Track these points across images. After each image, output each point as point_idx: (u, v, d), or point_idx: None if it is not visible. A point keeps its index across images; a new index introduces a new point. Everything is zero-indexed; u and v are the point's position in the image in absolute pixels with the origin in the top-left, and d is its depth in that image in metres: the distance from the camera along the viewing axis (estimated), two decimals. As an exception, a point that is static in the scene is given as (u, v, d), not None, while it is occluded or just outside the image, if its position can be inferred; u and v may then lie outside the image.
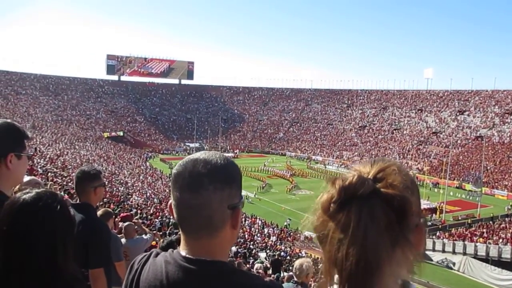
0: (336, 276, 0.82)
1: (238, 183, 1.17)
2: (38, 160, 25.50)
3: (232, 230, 1.15)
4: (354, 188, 0.82)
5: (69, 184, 15.86)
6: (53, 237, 1.23)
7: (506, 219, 37.70)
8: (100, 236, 2.88)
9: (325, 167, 69.22)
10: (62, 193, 9.51)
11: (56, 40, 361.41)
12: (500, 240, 30.04)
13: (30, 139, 2.01)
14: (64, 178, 19.04)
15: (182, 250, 1.15)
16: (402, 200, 0.81)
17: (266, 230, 32.82)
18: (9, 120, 1.93)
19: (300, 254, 26.19)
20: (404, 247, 0.80)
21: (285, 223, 35.55)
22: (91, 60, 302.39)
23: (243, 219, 33.62)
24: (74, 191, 10.90)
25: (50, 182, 12.18)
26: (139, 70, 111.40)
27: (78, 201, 3.08)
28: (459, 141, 71.42)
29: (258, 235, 30.57)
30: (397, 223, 0.80)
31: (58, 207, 1.28)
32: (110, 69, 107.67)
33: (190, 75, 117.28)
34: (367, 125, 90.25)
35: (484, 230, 33.24)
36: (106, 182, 28.23)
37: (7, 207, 1.25)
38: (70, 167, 30.95)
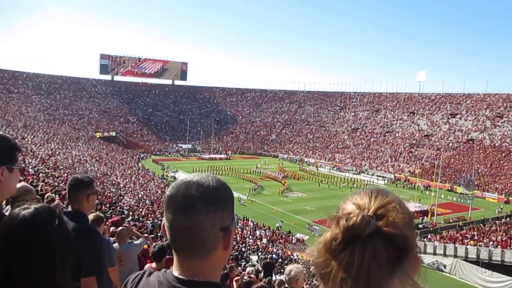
0: None
1: (230, 205, 1.18)
2: (30, 160, 25.30)
3: (224, 251, 1.16)
4: (358, 229, 0.83)
5: (61, 185, 15.74)
6: (52, 253, 1.22)
7: (497, 222, 38.01)
8: (92, 244, 2.87)
9: (318, 169, 69.42)
10: (53, 194, 9.43)
11: (49, 39, 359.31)
12: (491, 243, 30.27)
13: (21, 152, 2.00)
14: (55, 179, 18.89)
15: (175, 271, 1.15)
16: (404, 239, 0.83)
17: (258, 232, 32.81)
18: (0, 132, 1.92)
19: (291, 256, 26.23)
20: (402, 280, 0.83)
21: (277, 225, 35.56)
22: (84, 59, 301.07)
23: (236, 220, 33.53)
24: (65, 192, 10.83)
25: (42, 183, 12.07)
26: (133, 70, 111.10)
27: (70, 209, 3.06)
28: (450, 144, 71.94)
29: (250, 237, 30.55)
30: (397, 260, 0.82)
31: (57, 223, 1.28)
32: (103, 69, 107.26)
33: (183, 76, 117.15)
34: (360, 127, 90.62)
35: (475, 233, 33.48)
36: (98, 183, 28.09)
37: (6, 223, 1.25)
38: (61, 167, 30.74)
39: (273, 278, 11.11)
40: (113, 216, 10.04)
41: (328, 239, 0.86)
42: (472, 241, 31.19)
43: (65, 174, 24.71)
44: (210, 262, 1.14)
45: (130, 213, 17.74)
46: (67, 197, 3.61)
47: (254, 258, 22.48)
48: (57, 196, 9.45)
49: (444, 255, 30.42)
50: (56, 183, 16.14)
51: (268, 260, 17.80)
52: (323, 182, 56.19)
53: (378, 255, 0.81)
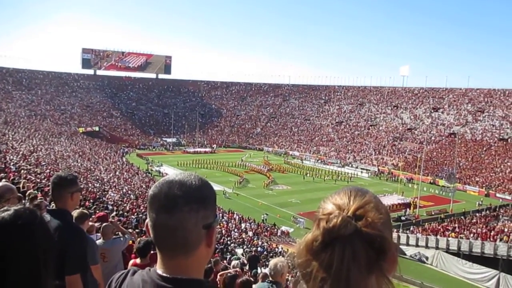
0: None
1: (213, 203, 1.20)
2: (11, 157, 24.92)
3: (207, 248, 1.19)
4: (338, 231, 0.85)
5: (43, 181, 15.55)
6: (34, 254, 1.22)
7: (477, 214, 38.74)
8: (77, 243, 2.88)
9: (302, 162, 69.72)
10: (36, 191, 9.33)
11: (29, 33, 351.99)
12: (471, 235, 30.86)
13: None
14: (37, 175, 18.65)
15: (159, 269, 1.17)
16: (383, 240, 0.86)
17: (243, 225, 32.92)
18: None
19: (277, 249, 26.40)
20: (379, 278, 0.86)
21: (262, 218, 35.72)
22: (66, 54, 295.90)
23: (221, 214, 33.63)
24: (48, 188, 10.72)
25: (23, 180, 11.92)
26: (117, 64, 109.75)
27: (54, 207, 3.06)
28: (433, 138, 72.93)
29: (235, 230, 30.63)
30: (376, 260, 0.85)
31: (38, 225, 1.28)
32: (86, 63, 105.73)
33: (167, 70, 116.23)
34: (344, 121, 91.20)
35: (456, 225, 34.09)
36: (81, 179, 27.83)
37: None
38: (44, 163, 30.36)
39: (259, 271, 11.21)
40: (97, 211, 9.97)
41: (309, 240, 0.88)
42: (453, 233, 31.76)
43: (48, 170, 24.43)
44: (193, 259, 1.17)
45: (115, 208, 17.61)
46: (50, 195, 3.60)
47: (239, 251, 22.60)
48: (39, 193, 9.37)
49: (426, 247, 30.92)
50: (38, 180, 15.94)
51: (253, 253, 17.93)
52: (308, 175, 56.50)
53: (357, 255, 0.83)
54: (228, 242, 24.94)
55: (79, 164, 41.37)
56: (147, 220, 1.20)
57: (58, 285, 1.45)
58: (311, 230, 0.91)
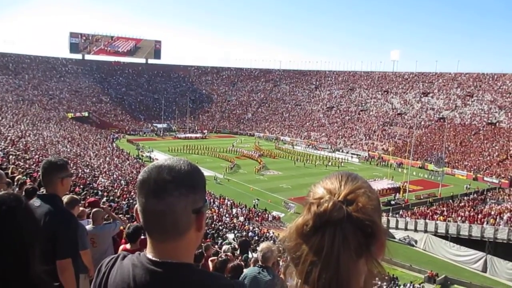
0: None
1: (202, 188, 1.21)
2: (-1, 142, 24.62)
3: (197, 232, 1.19)
4: (329, 215, 0.85)
5: (32, 167, 15.42)
6: (18, 240, 1.22)
7: (465, 198, 39.29)
8: (67, 227, 2.87)
9: (293, 148, 69.90)
10: (25, 177, 9.25)
11: (15, 16, 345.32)
12: (459, 218, 31.33)
13: None
14: (26, 161, 18.48)
15: (149, 253, 1.18)
16: (373, 224, 0.86)
17: (234, 210, 33.05)
18: None
19: (268, 234, 26.59)
20: (368, 260, 0.87)
21: (253, 203, 35.89)
22: (53, 38, 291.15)
23: (212, 199, 33.71)
24: (37, 174, 10.63)
25: (12, 166, 11.82)
26: (106, 48, 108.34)
27: (44, 192, 3.03)
28: (422, 123, 73.37)
29: (227, 215, 30.76)
30: (365, 244, 0.86)
31: (23, 210, 1.26)
32: (74, 48, 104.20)
33: (157, 55, 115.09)
34: (335, 106, 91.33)
35: (445, 209, 34.56)
36: (71, 164, 27.64)
37: None
38: (32, 149, 30.06)
39: (250, 255, 11.29)
40: (88, 197, 9.93)
41: (300, 224, 0.88)
42: (441, 217, 32.22)
43: (37, 156, 24.22)
44: (183, 244, 1.17)
45: (105, 193, 17.56)
46: (40, 180, 3.56)
47: (230, 236, 22.69)
48: (28, 178, 9.29)
49: (415, 230, 31.38)
50: (27, 165, 15.80)
51: (244, 238, 18.03)
52: (299, 160, 56.72)
53: (348, 239, 0.84)
54: (220, 227, 25.06)
55: (68, 150, 41.03)
56: (136, 205, 1.20)
57: (49, 270, 1.44)
58: (301, 214, 0.92)
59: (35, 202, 2.84)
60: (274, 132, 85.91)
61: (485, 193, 41.47)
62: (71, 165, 27.68)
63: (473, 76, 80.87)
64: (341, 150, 68.72)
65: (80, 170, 27.89)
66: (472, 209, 33.77)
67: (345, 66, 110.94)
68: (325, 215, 0.85)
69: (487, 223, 29.58)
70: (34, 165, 16.87)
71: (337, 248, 0.83)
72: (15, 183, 6.96)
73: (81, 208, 5.77)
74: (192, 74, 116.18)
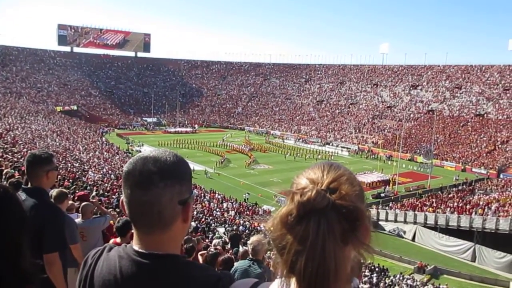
0: (293, 280, 0.87)
1: (188, 179, 1.20)
2: (-14, 137, 24.32)
3: (183, 224, 1.19)
4: (313, 203, 0.85)
5: (20, 160, 15.24)
6: (5, 234, 1.20)
7: (454, 189, 39.72)
8: (54, 220, 2.83)
9: (283, 142, 69.99)
10: (13, 170, 9.15)
11: (3, 7, 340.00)
12: (448, 209, 31.66)
13: None
14: (14, 155, 18.26)
15: (135, 245, 1.18)
16: (356, 211, 0.86)
17: (225, 204, 33.06)
18: None
19: (258, 228, 26.65)
20: (355, 246, 0.87)
21: (244, 197, 35.93)
22: (41, 30, 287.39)
23: (203, 194, 33.67)
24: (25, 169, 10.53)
25: (0, 159, 11.68)
26: (94, 41, 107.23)
27: (29, 185, 2.98)
28: (412, 115, 73.86)
29: (217, 209, 30.76)
30: (350, 230, 0.85)
31: (10, 202, 1.25)
32: (62, 40, 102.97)
33: (146, 48, 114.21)
34: (325, 99, 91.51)
35: (434, 200, 34.89)
36: (60, 158, 27.39)
37: None
38: (21, 142, 29.75)
39: (240, 249, 11.30)
40: (77, 191, 9.85)
41: (284, 213, 0.88)
42: (431, 208, 32.52)
43: (25, 150, 23.95)
44: (169, 235, 1.17)
45: (95, 188, 17.43)
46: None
47: (221, 230, 22.73)
48: (16, 172, 9.19)
49: (405, 222, 31.66)
50: (15, 159, 15.62)
51: (235, 232, 18.07)
52: (289, 154, 56.80)
53: (332, 227, 0.84)
54: (210, 222, 25.06)
55: (57, 144, 40.64)
56: (122, 197, 1.19)
57: (36, 263, 1.41)
58: (284, 204, 0.91)
59: (20, 195, 2.80)
60: (264, 126, 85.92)
61: (473, 184, 41.97)
62: (60, 159, 27.50)
63: (461, 68, 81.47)
64: (331, 144, 68.98)
65: (69, 164, 27.64)
66: (460, 200, 34.15)
67: (335, 60, 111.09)
68: (308, 204, 0.85)
69: (476, 213, 29.94)
70: (22, 158, 16.62)
71: (322, 236, 0.83)
72: (3, 177, 6.88)
73: (70, 202, 5.73)
74: (182, 68, 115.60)
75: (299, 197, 0.87)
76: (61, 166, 22.53)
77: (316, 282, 0.83)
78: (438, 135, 61.54)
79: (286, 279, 0.89)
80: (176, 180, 1.15)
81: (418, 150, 58.16)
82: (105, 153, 45.99)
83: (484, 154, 54.64)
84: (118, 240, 4.87)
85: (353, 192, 0.89)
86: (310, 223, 0.84)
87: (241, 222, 27.86)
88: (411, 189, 41.18)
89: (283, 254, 0.87)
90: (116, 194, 19.52)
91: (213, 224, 24.47)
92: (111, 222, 6.03)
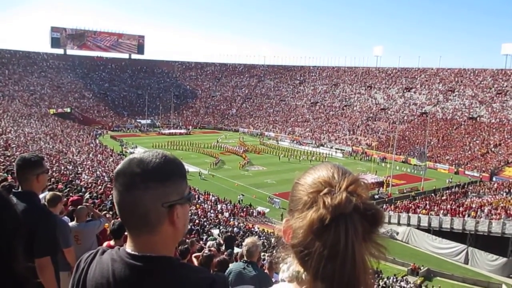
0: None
1: (175, 181, 1.17)
2: (-22, 139, 24.15)
3: (172, 226, 1.16)
4: (343, 207, 0.84)
5: (13, 164, 15.14)
6: (1, 234, 1.20)
7: (447, 191, 39.88)
8: (45, 224, 2.81)
9: (278, 143, 70.04)
10: (6, 174, 9.09)
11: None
12: (441, 212, 31.78)
13: None
14: (7, 158, 18.16)
15: (128, 247, 1.17)
16: (379, 213, 0.87)
17: (219, 206, 33.00)
18: None
19: (252, 229, 26.63)
20: (369, 245, 0.86)
21: (238, 199, 35.90)
22: (34, 32, 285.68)
23: (197, 195, 33.56)
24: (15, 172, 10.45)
25: (-8, 163, 11.59)
26: (88, 43, 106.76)
27: (20, 189, 2.95)
28: (405, 117, 74.18)
29: (212, 211, 30.70)
30: (371, 232, 0.86)
31: (4, 205, 1.24)
32: (55, 42, 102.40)
33: (140, 50, 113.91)
34: (319, 101, 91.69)
35: (427, 202, 35.02)
36: (54, 161, 27.23)
37: None
38: (13, 145, 29.57)
39: (235, 250, 11.31)
40: (71, 194, 9.79)
41: (315, 219, 0.84)
42: (424, 210, 32.63)
43: (18, 153, 23.81)
44: (159, 238, 1.15)
45: (89, 190, 17.34)
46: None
47: (215, 232, 22.67)
48: (9, 175, 9.14)
49: (398, 224, 31.75)
50: (8, 163, 15.52)
51: (229, 234, 18.06)
52: (283, 155, 56.84)
53: (357, 231, 0.83)
54: (205, 223, 24.98)
55: (50, 146, 40.46)
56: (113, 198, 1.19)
57: (30, 267, 1.41)
58: (310, 209, 0.87)
59: (12, 200, 2.77)
60: (259, 127, 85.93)
61: (466, 186, 42.17)
62: (54, 161, 27.35)
63: (454, 72, 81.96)
64: (325, 145, 69.10)
65: (62, 167, 27.50)
66: (453, 203, 34.29)
67: (329, 62, 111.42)
68: (339, 208, 0.83)
69: (468, 216, 30.08)
70: (15, 162, 16.55)
71: (351, 241, 0.82)
72: (-4, 181, 6.83)
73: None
74: (176, 70, 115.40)
75: (329, 200, 0.85)
76: (54, 169, 22.44)
77: (348, 287, 0.82)
78: (431, 138, 61.85)
79: (311, 286, 0.87)
80: (160, 182, 1.13)
81: (411, 152, 58.43)
82: (99, 156, 45.80)
83: (477, 157, 54.96)
84: (112, 243, 4.86)
85: (368, 194, 0.89)
86: (339, 227, 0.82)
87: (236, 223, 27.84)
88: (404, 191, 41.32)
89: (309, 261, 0.85)
90: (110, 196, 19.43)
91: (207, 226, 24.40)
92: (106, 225, 6.01)
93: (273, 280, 4.60)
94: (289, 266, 0.92)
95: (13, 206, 1.30)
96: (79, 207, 5.30)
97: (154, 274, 1.12)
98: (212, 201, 34.36)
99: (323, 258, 0.82)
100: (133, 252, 1.15)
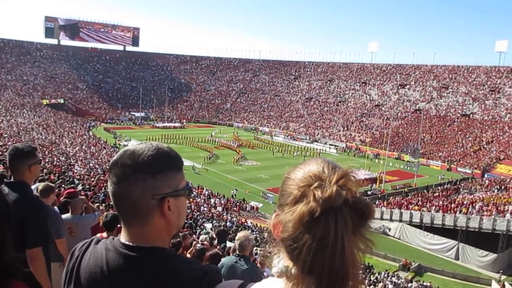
0: (308, 281, 0.85)
1: (166, 173, 1.17)
2: (-30, 129, 23.96)
3: (164, 219, 1.17)
4: (333, 200, 0.84)
5: (5, 154, 15.03)
6: None
7: (439, 188, 40.13)
8: (36, 215, 2.79)
9: (272, 138, 70.08)
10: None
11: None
12: (433, 208, 31.99)
13: None
14: (-1, 148, 18.04)
15: (122, 238, 1.18)
16: (368, 207, 0.86)
17: (212, 200, 33.01)
18: None
19: (245, 224, 26.68)
20: (358, 239, 0.86)
21: (232, 193, 35.92)
22: (28, 22, 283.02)
23: (190, 189, 33.44)
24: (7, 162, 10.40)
25: (-16, 153, 11.50)
26: (82, 34, 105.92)
27: (12, 179, 2.93)
28: (399, 114, 74.46)
29: (205, 205, 30.70)
30: (361, 226, 0.85)
31: None
32: (49, 32, 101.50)
33: (135, 42, 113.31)
34: (314, 97, 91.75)
35: (419, 199, 35.23)
36: (46, 152, 27.07)
37: None
38: (6, 135, 29.40)
39: (227, 245, 11.32)
40: (63, 185, 9.74)
41: (305, 211, 0.84)
42: (416, 206, 32.83)
43: (10, 143, 23.64)
44: (151, 229, 1.16)
45: (81, 182, 17.26)
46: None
47: (208, 226, 22.68)
48: (1, 165, 9.08)
49: (391, 220, 31.92)
50: (0, 152, 15.42)
51: (222, 228, 18.08)
52: (277, 150, 56.88)
53: (347, 224, 0.83)
54: (198, 217, 24.99)
55: (43, 137, 40.23)
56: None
57: (19, 257, 1.40)
58: (302, 202, 0.86)
59: (3, 190, 2.75)
60: (253, 122, 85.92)
61: (458, 183, 42.46)
62: (46, 152, 27.20)
63: (448, 69, 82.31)
64: (319, 141, 69.22)
65: (55, 158, 27.37)
66: (445, 199, 34.52)
67: (324, 57, 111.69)
68: (329, 201, 0.83)
69: (460, 212, 30.30)
70: (7, 152, 16.44)
71: (341, 234, 0.82)
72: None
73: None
74: (171, 63, 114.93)
75: (319, 193, 0.84)
76: (47, 160, 22.33)
77: (337, 281, 0.82)
78: (424, 134, 62.16)
79: (300, 280, 0.86)
80: (150, 174, 1.14)
81: (405, 149, 58.67)
82: (92, 148, 45.63)
83: (469, 154, 55.33)
84: (104, 234, 4.84)
85: (357, 188, 0.88)
86: (329, 221, 0.82)
87: (229, 218, 27.87)
88: (397, 187, 41.53)
89: (298, 255, 0.84)
90: (103, 189, 19.37)
91: (200, 220, 24.41)
92: (100, 218, 5.98)
93: (265, 274, 4.61)
94: (279, 261, 0.91)
95: (3, 196, 1.29)
96: (74, 199, 5.26)
97: (148, 264, 1.13)
98: (206, 195, 34.35)
99: (312, 250, 0.82)
100: (127, 242, 1.16)
